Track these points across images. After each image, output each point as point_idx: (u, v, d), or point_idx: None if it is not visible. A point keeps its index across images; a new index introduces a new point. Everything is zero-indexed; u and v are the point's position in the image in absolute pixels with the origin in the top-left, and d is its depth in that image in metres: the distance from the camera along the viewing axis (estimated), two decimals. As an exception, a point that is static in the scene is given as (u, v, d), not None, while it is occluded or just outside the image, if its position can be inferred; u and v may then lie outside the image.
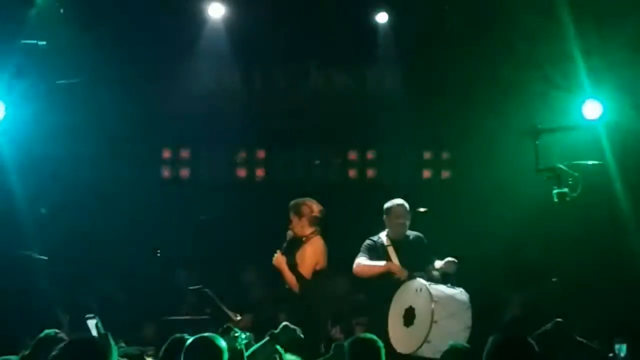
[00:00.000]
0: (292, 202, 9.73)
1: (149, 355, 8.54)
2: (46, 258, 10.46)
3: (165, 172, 12.63)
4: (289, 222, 9.63)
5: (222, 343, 5.96)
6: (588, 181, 9.39)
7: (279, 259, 9.59)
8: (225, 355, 5.91)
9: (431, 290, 8.85)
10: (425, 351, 8.63)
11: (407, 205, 9.68)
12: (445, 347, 7.76)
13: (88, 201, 11.72)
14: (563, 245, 10.81)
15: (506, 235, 11.64)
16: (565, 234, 10.65)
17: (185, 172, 12.59)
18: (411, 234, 9.67)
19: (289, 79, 12.64)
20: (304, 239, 9.62)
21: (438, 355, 7.90)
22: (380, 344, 6.63)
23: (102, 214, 11.83)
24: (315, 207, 9.67)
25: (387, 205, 9.63)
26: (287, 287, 9.62)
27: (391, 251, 9.52)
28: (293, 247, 9.71)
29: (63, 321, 10.72)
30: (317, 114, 12.68)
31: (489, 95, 11.90)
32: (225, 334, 6.71)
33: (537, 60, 11.39)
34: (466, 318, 8.88)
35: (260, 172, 12.57)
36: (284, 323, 7.48)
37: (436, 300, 8.79)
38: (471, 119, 12.02)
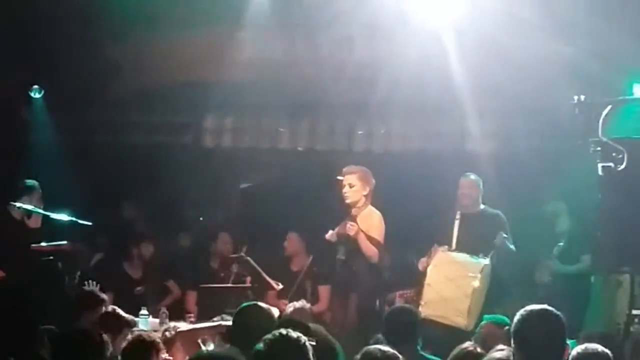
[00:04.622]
0: (357, 168, 9.54)
1: (191, 322, 8.60)
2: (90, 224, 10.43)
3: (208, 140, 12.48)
4: (343, 187, 9.40)
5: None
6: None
7: (354, 228, 9.30)
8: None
9: (437, 254, 9.00)
10: (425, 312, 8.58)
11: (475, 178, 9.64)
12: (443, 312, 8.34)
13: (130, 168, 11.74)
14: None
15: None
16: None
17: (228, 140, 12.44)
18: (486, 210, 9.58)
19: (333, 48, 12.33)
20: (357, 206, 9.42)
21: (441, 320, 8.43)
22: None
23: (147, 181, 11.85)
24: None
25: None
26: (343, 257, 9.39)
27: (456, 225, 9.49)
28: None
29: None
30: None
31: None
32: None
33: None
34: (466, 286, 8.82)
35: (303, 142, 12.37)
36: None
37: (435, 264, 8.92)
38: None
